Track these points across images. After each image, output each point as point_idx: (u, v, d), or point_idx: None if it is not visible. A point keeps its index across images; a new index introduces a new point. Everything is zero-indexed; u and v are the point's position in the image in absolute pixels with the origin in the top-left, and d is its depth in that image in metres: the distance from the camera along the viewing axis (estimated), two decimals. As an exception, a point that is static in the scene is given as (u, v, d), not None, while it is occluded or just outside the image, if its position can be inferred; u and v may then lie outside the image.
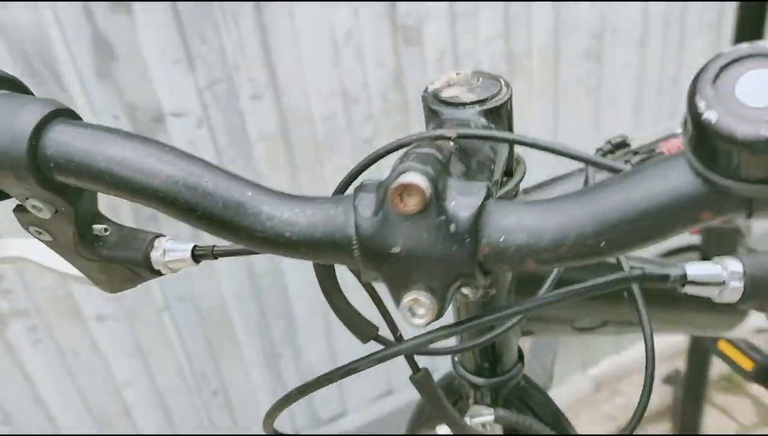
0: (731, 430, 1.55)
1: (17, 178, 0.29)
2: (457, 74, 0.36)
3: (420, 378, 0.40)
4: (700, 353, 1.26)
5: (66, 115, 0.31)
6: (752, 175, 0.22)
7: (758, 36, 0.77)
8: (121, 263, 0.35)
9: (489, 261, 0.27)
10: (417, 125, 1.08)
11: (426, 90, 0.36)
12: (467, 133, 0.30)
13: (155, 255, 0.35)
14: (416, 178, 0.26)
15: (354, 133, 1.03)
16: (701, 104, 0.22)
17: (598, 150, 0.50)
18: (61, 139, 0.29)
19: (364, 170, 0.32)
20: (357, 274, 0.31)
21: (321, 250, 0.29)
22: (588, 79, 1.20)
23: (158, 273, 0.36)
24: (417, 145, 0.30)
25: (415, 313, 0.28)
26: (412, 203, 0.26)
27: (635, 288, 0.40)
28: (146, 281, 0.37)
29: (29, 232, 0.34)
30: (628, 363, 1.66)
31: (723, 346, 1.02)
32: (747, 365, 0.96)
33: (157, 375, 1.07)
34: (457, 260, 0.27)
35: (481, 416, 0.45)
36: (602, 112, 1.25)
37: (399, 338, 0.39)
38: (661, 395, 1.63)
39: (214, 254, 0.36)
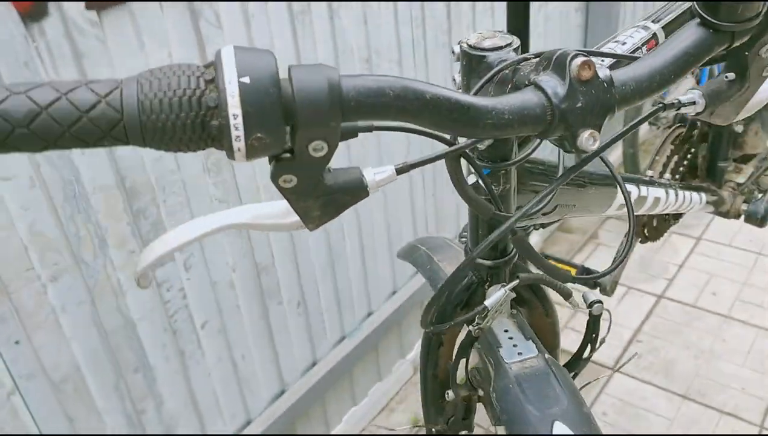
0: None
1: (326, 122, 0.37)
2: (480, 33, 0.53)
3: (518, 238, 0.55)
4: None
5: None
6: (734, 18, 0.46)
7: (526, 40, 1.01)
8: (342, 193, 0.43)
9: (620, 101, 0.45)
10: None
11: (461, 45, 0.52)
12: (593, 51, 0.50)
13: (369, 178, 0.45)
14: (588, 57, 0.42)
15: (184, 172, 1.07)
16: None
17: None
18: (355, 82, 0.38)
19: (494, 76, 0.49)
20: (474, 165, 0.51)
21: (526, 122, 0.43)
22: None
23: (367, 194, 0.45)
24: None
25: (590, 143, 0.43)
26: (588, 73, 0.42)
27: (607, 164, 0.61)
28: (352, 205, 0.45)
29: (276, 182, 0.41)
30: (434, 341, 1.88)
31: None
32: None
33: (12, 470, 0.96)
34: (608, 104, 0.44)
35: (510, 283, 0.60)
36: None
37: (500, 210, 0.55)
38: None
39: (411, 167, 0.46)
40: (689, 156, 1.21)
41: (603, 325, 0.65)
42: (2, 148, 0.34)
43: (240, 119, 0.35)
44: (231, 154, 0.37)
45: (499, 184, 0.55)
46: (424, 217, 1.68)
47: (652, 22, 0.55)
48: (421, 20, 1.49)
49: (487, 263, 0.61)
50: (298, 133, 0.37)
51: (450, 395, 0.68)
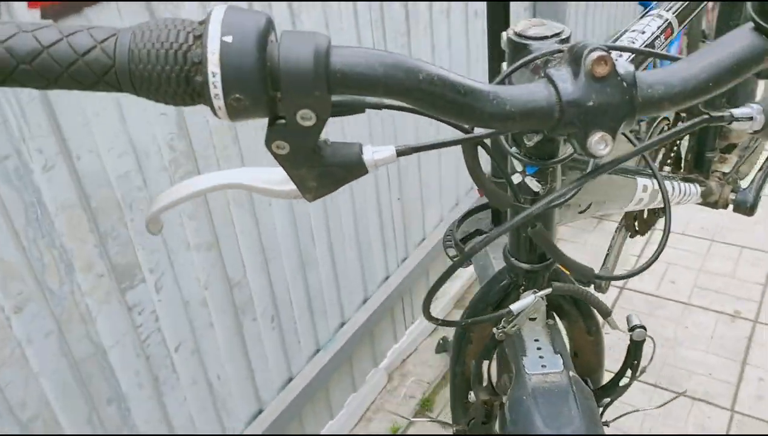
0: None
1: (310, 90, 0.36)
2: (530, 21, 0.50)
3: (538, 231, 0.53)
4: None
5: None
6: None
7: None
8: (338, 166, 0.42)
9: (643, 106, 0.40)
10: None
11: (509, 32, 0.49)
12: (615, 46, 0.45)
13: (367, 156, 0.43)
14: (605, 52, 0.38)
15: (151, 189, 1.01)
16: None
17: None
18: (344, 53, 0.37)
19: (518, 68, 0.47)
20: (491, 154, 0.47)
21: (530, 115, 0.39)
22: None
23: (365, 172, 0.43)
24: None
25: (600, 147, 0.40)
26: (604, 69, 0.38)
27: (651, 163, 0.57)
28: (350, 181, 0.44)
29: (270, 148, 0.40)
30: (406, 347, 1.86)
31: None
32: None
33: None
34: (627, 106, 0.40)
35: (541, 291, 0.57)
36: (346, 130, 1.41)
37: (519, 202, 0.53)
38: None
39: (413, 149, 0.44)
40: (676, 147, 1.21)
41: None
42: (7, 82, 0.37)
43: (218, 78, 0.35)
44: (214, 112, 0.37)
45: (546, 183, 0.53)
46: (390, 218, 1.66)
47: (665, 10, 0.54)
48: (381, 23, 1.47)
49: (525, 266, 0.59)
50: (284, 100, 0.37)
51: (472, 396, 0.66)
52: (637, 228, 1.26)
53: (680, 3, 0.53)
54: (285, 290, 1.36)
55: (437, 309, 1.96)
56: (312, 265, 1.42)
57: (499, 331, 0.56)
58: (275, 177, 0.46)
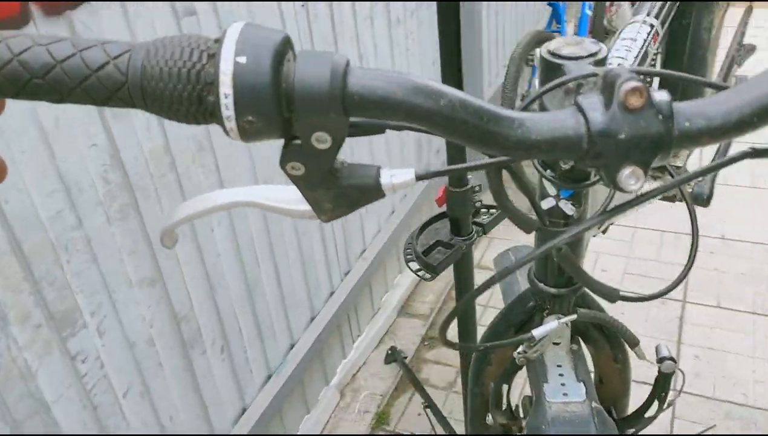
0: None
1: (325, 112, 0.35)
2: (565, 39, 0.48)
3: (564, 254, 0.50)
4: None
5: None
6: None
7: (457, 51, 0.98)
8: (355, 189, 0.40)
9: (679, 139, 0.37)
10: (144, 202, 1.03)
11: (542, 51, 0.47)
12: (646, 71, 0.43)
13: (385, 180, 0.40)
14: (640, 83, 0.36)
15: (86, 226, 0.94)
16: None
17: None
18: (362, 76, 0.35)
19: (547, 92, 0.44)
20: (517, 178, 0.45)
21: (556, 145, 0.37)
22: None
23: (382, 196, 0.41)
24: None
25: (631, 182, 0.37)
26: (639, 101, 0.36)
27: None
28: (367, 204, 0.42)
29: (284, 169, 0.39)
30: (355, 361, 1.83)
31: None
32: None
33: None
34: (661, 139, 0.37)
35: (566, 316, 0.53)
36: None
37: (545, 225, 0.51)
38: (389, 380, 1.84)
39: (434, 173, 0.42)
40: None
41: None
42: (21, 96, 0.36)
43: (230, 99, 0.34)
44: (226, 133, 0.36)
45: (580, 205, 0.51)
46: (332, 232, 1.62)
47: (649, 16, 0.54)
48: (309, 35, 1.43)
49: (551, 290, 0.57)
50: (299, 122, 0.36)
51: (490, 418, 0.63)
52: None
53: (658, 6, 0.53)
54: (233, 317, 1.30)
55: (381, 320, 1.94)
56: (258, 288, 1.36)
57: (520, 356, 0.54)
58: (291, 196, 0.44)
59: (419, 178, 0.41)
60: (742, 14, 1.42)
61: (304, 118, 0.35)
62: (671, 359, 0.58)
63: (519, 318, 0.60)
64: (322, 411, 1.69)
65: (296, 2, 1.36)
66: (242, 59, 0.33)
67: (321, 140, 0.36)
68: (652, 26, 0.53)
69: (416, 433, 1.65)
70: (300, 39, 1.40)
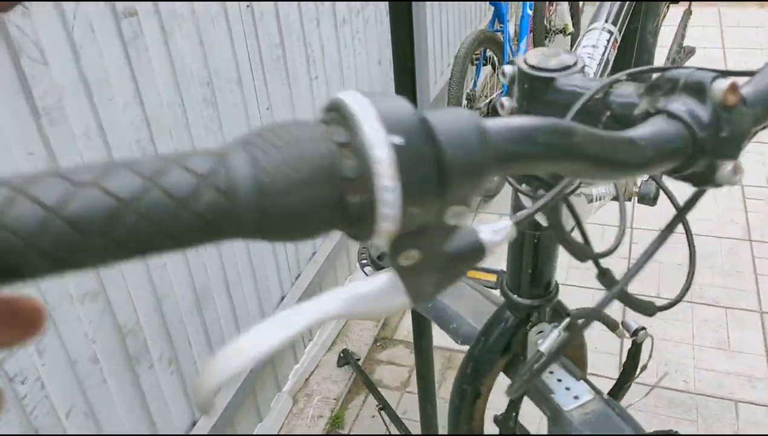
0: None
1: (477, 180, 0.28)
2: (540, 50, 0.46)
3: (605, 275, 0.49)
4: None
5: None
6: None
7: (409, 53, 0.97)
8: (459, 258, 0.32)
9: (753, 124, 0.39)
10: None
11: (517, 64, 0.45)
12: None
13: (486, 237, 0.34)
14: (731, 81, 0.37)
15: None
16: None
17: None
18: (499, 127, 0.30)
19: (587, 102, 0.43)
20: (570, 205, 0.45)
21: (665, 157, 0.37)
22: (210, 124, 1.27)
23: (485, 256, 0.35)
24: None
25: (736, 177, 0.38)
26: (735, 98, 0.38)
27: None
28: (465, 272, 0.35)
29: (397, 261, 0.30)
30: (307, 365, 1.81)
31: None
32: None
33: None
34: (749, 130, 0.39)
35: (560, 320, 0.53)
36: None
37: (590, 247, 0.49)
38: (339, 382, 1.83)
39: (528, 215, 0.39)
40: None
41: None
42: (69, 266, 0.22)
43: (396, 193, 0.26)
44: (367, 236, 0.28)
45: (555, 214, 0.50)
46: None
47: (606, 21, 0.54)
48: (255, 36, 1.40)
49: (529, 302, 0.56)
50: (446, 198, 0.29)
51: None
52: None
53: (615, 12, 0.54)
54: (182, 328, 1.26)
55: (332, 323, 1.92)
56: (207, 297, 1.33)
57: (515, 386, 0.52)
58: (374, 290, 0.34)
59: (517, 224, 0.37)
60: (681, 16, 1.46)
61: (455, 191, 0.28)
62: (643, 329, 0.60)
63: (502, 341, 0.58)
64: (275, 418, 1.66)
65: (241, 2, 1.33)
66: (397, 139, 0.26)
67: (457, 214, 0.29)
68: (611, 33, 0.53)
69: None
70: (246, 42, 1.36)
